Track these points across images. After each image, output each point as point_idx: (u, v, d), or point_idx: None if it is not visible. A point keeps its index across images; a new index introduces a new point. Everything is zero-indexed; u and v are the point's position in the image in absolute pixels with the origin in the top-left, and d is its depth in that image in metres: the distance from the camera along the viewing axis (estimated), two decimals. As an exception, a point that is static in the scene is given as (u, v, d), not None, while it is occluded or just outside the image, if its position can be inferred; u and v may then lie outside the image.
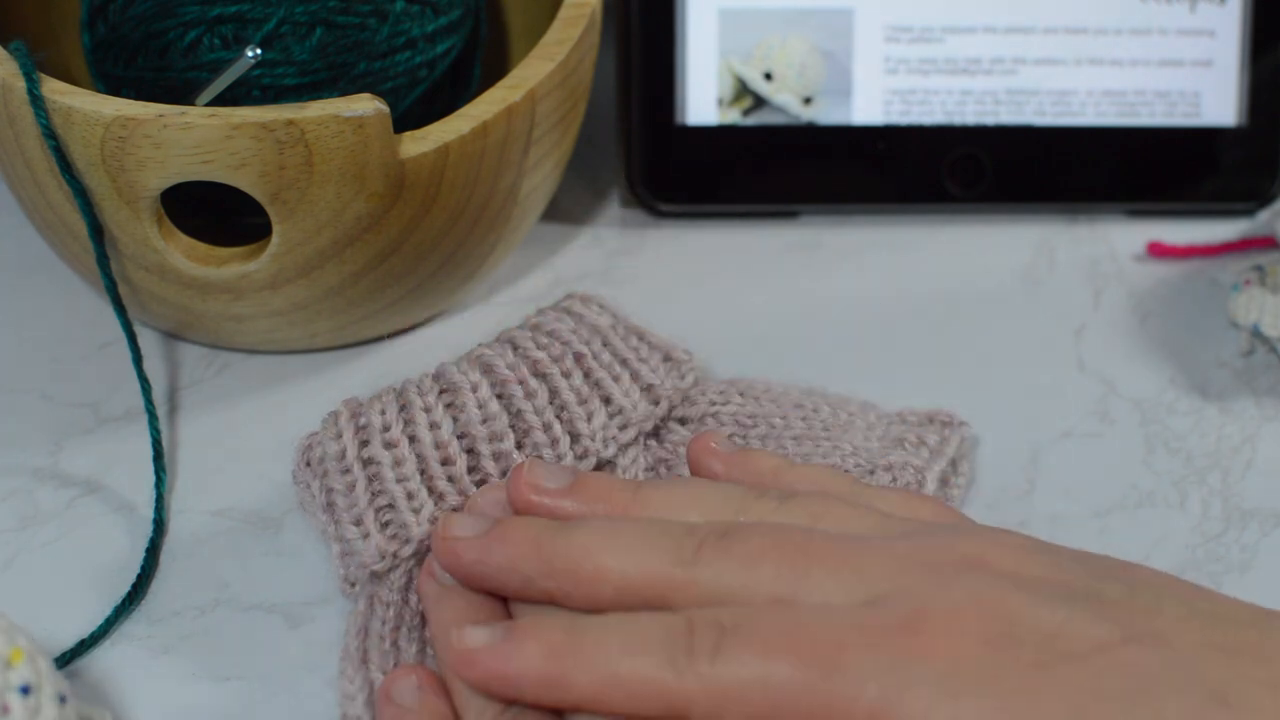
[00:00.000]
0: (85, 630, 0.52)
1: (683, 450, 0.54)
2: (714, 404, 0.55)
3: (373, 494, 0.52)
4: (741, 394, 0.56)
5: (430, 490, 0.52)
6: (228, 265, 0.56)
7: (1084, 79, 0.66)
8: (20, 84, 0.53)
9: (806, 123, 0.66)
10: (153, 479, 0.55)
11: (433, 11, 0.58)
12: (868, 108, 0.66)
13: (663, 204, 0.66)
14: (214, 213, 0.57)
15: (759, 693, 0.42)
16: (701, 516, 0.47)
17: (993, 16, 0.66)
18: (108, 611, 0.52)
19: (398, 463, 0.52)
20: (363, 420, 0.53)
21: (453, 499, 0.51)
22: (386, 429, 0.52)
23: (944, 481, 0.55)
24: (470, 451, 0.52)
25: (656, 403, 0.54)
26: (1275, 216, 0.65)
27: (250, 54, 0.55)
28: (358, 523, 0.51)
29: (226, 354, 0.60)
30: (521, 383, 0.53)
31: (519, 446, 0.52)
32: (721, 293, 0.64)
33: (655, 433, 0.55)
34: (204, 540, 0.55)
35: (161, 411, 0.58)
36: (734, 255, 0.65)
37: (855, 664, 0.42)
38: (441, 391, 0.53)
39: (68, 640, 0.51)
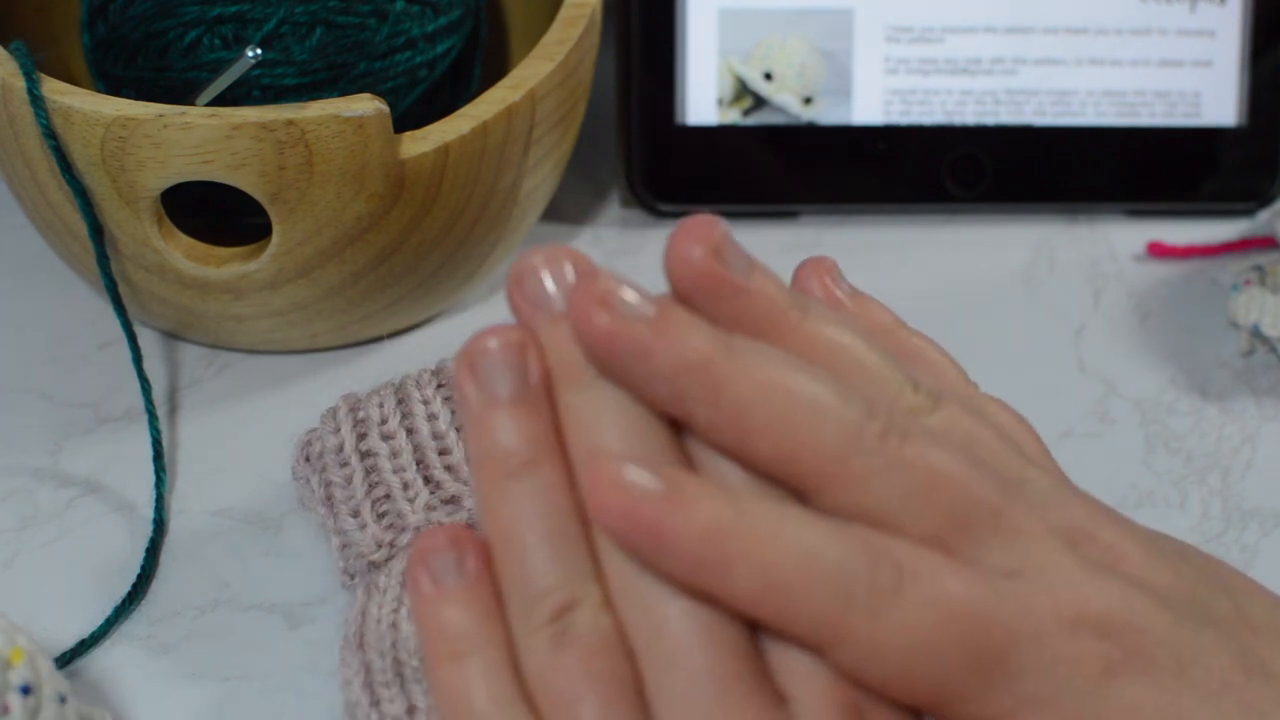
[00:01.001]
0: (85, 630, 0.52)
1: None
2: None
3: (370, 485, 0.52)
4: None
5: (427, 479, 0.52)
6: (228, 265, 0.56)
7: (1084, 79, 0.66)
8: (20, 84, 0.53)
9: (806, 123, 0.66)
10: (153, 479, 0.55)
11: (433, 11, 0.58)
12: (868, 108, 0.66)
13: (663, 204, 0.66)
14: (214, 213, 0.57)
15: (919, 659, 0.38)
16: (861, 381, 0.40)
17: (993, 16, 0.66)
18: (108, 611, 0.52)
19: (394, 454, 0.52)
20: (361, 414, 0.53)
21: (450, 487, 0.51)
22: (384, 422, 0.53)
23: None
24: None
25: None
26: (1275, 216, 0.65)
27: (250, 54, 0.55)
28: (355, 514, 0.51)
29: (226, 354, 0.60)
30: None
31: None
32: (721, 293, 0.64)
33: None
34: (204, 540, 0.55)
35: (161, 411, 0.58)
36: (734, 255, 0.65)
37: (1017, 659, 0.38)
38: (440, 385, 0.53)
39: (68, 640, 0.51)
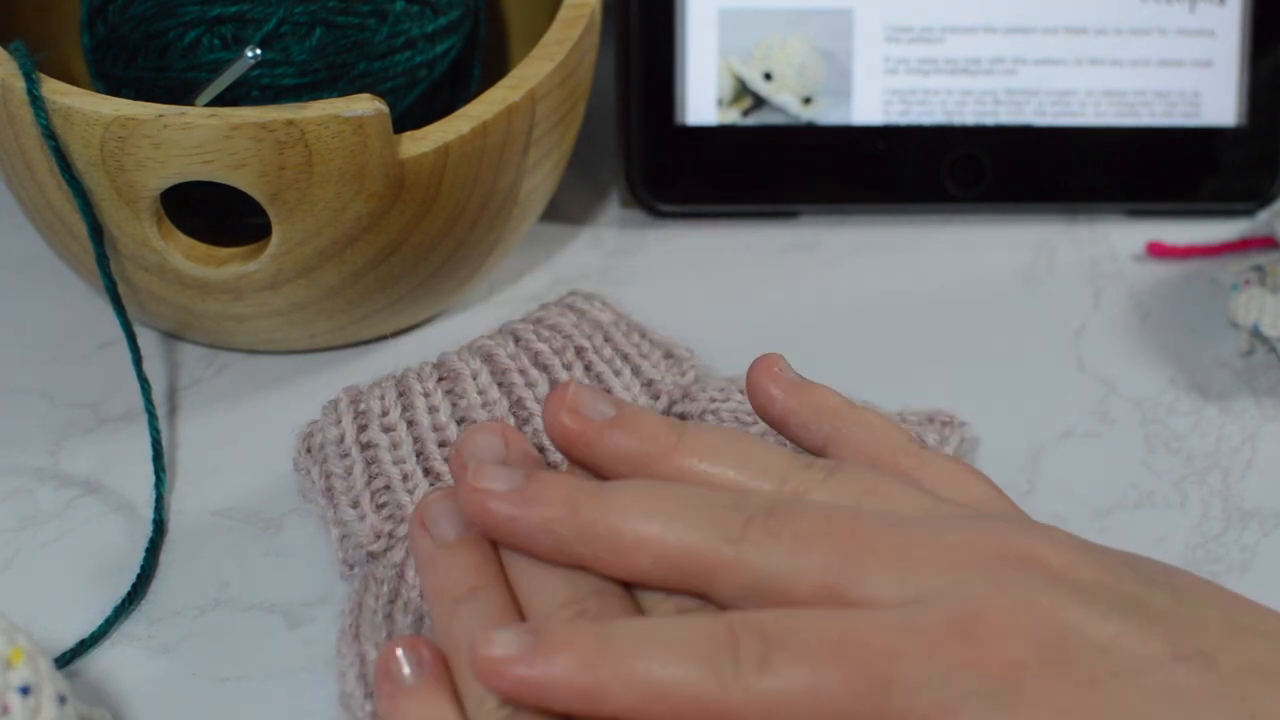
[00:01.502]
0: (85, 630, 0.52)
1: None
2: (714, 400, 0.55)
3: (370, 476, 0.52)
4: (742, 391, 0.56)
5: (426, 471, 0.52)
6: (228, 265, 0.56)
7: (1084, 79, 0.66)
8: (20, 84, 0.53)
9: (806, 123, 0.66)
10: (152, 479, 0.55)
11: (432, 11, 0.58)
12: (867, 108, 0.66)
13: (663, 204, 0.66)
14: (214, 213, 0.57)
15: (809, 707, 0.40)
16: (745, 478, 0.44)
17: (993, 16, 0.66)
18: (108, 611, 0.52)
19: (394, 445, 0.52)
20: (362, 406, 0.53)
21: (450, 480, 0.51)
22: (385, 414, 0.53)
23: None
24: None
25: (656, 397, 0.55)
26: (1275, 216, 0.65)
27: (250, 54, 0.55)
28: (355, 505, 0.52)
29: (226, 354, 0.60)
30: (522, 372, 0.54)
31: (519, 429, 0.53)
32: (721, 293, 0.64)
33: None
34: (204, 540, 0.55)
35: (161, 411, 0.58)
36: (734, 255, 0.65)
37: (907, 675, 0.40)
38: (441, 378, 0.54)
39: (68, 640, 0.51)
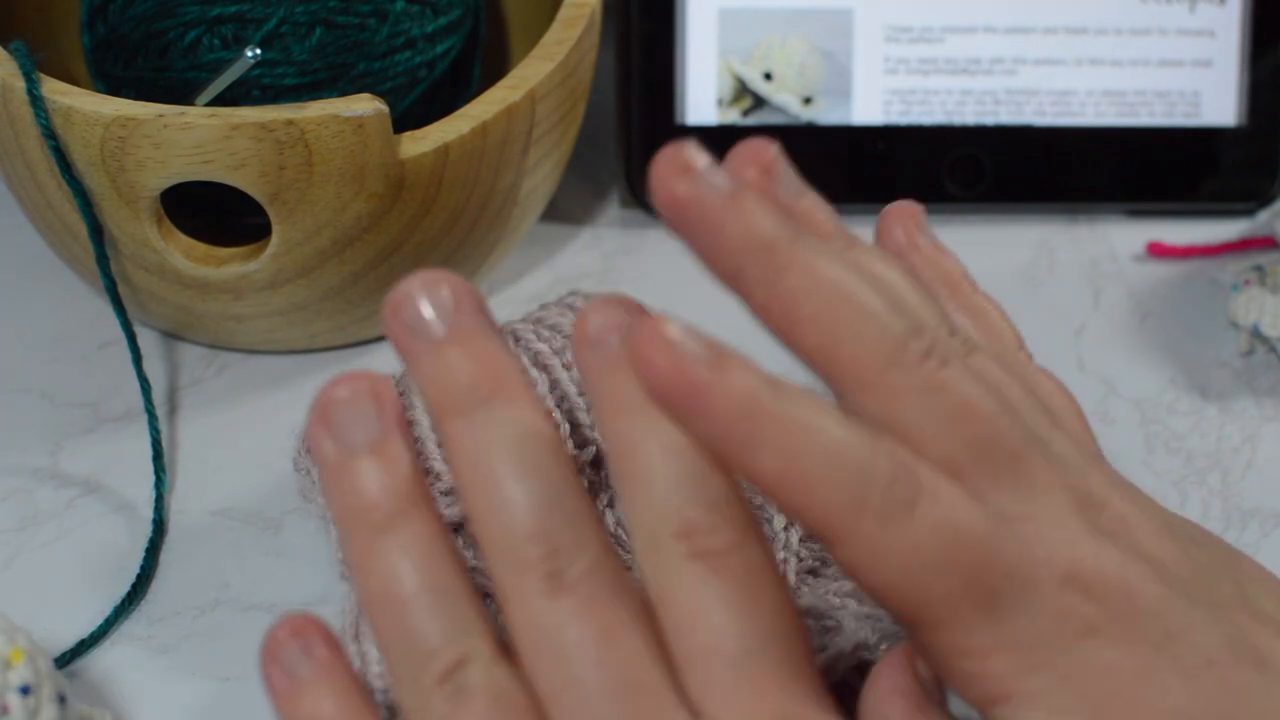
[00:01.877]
0: (85, 630, 0.52)
1: None
2: None
3: None
4: None
5: (426, 471, 0.52)
6: (228, 265, 0.56)
7: (1084, 79, 0.66)
8: (20, 84, 0.53)
9: (806, 123, 0.66)
10: (152, 479, 0.55)
11: (433, 11, 0.58)
12: (868, 108, 0.66)
13: (663, 204, 0.66)
14: (214, 213, 0.57)
15: (912, 581, 0.38)
16: (887, 310, 0.40)
17: (993, 16, 0.66)
18: (108, 611, 0.52)
19: None
20: None
21: (450, 479, 0.51)
22: None
23: None
24: None
25: None
26: (1275, 216, 0.65)
27: (250, 54, 0.55)
28: None
29: (226, 354, 0.60)
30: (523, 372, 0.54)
31: None
32: (721, 293, 0.64)
33: None
34: (204, 540, 0.55)
35: (161, 411, 0.58)
36: (734, 255, 0.65)
37: (1003, 607, 0.38)
38: None
39: (68, 640, 0.51)
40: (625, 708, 0.37)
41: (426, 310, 0.40)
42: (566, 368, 0.54)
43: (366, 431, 0.39)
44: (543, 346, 0.54)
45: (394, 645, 0.38)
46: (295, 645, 0.39)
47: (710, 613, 0.38)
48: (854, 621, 0.47)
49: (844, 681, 0.46)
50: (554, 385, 0.54)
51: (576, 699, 0.37)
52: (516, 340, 0.55)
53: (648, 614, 0.38)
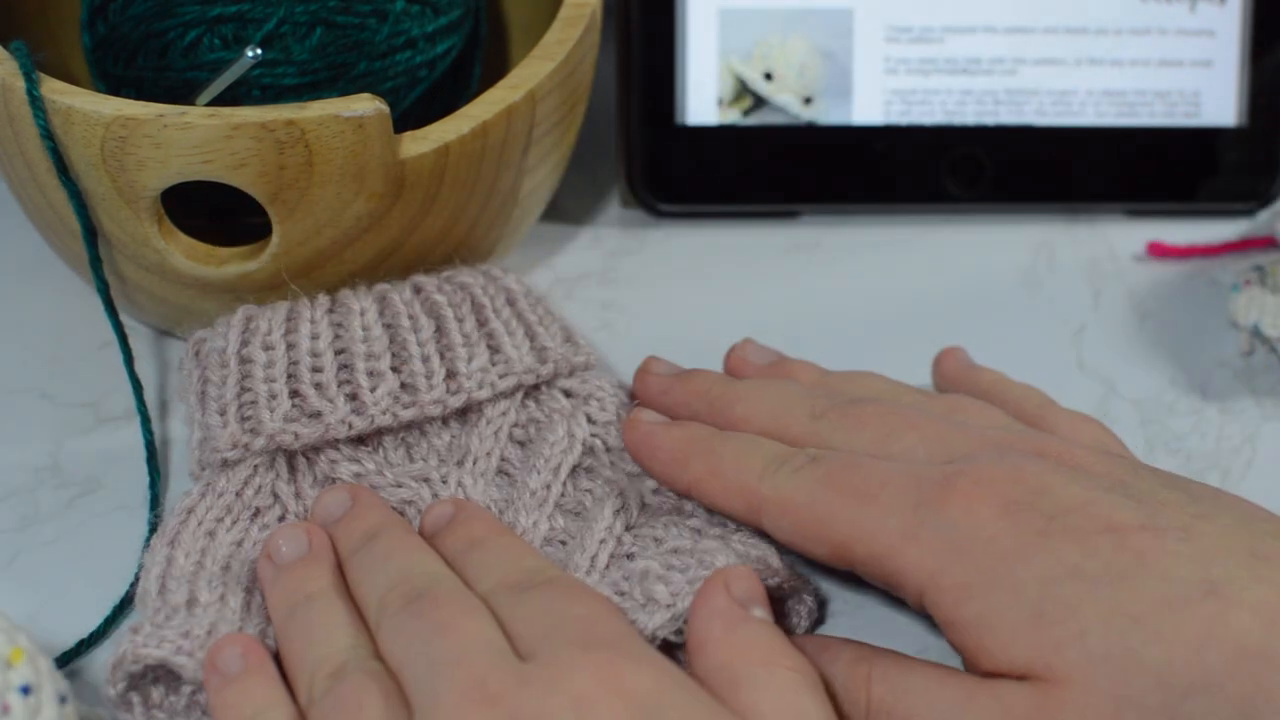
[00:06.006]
0: (85, 630, 0.52)
1: (557, 417, 0.55)
2: (602, 389, 0.56)
3: (241, 389, 0.53)
4: (632, 396, 0.56)
5: (293, 393, 0.53)
6: (228, 265, 0.56)
7: (1084, 79, 0.66)
8: (20, 84, 0.53)
9: (806, 123, 0.66)
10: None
11: (433, 11, 0.58)
12: (868, 108, 0.66)
13: (663, 204, 0.66)
14: (214, 213, 0.57)
15: (808, 509, 0.49)
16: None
17: (993, 16, 0.66)
18: (107, 611, 0.52)
19: (270, 364, 0.54)
20: (253, 324, 0.54)
21: (314, 402, 0.53)
22: (269, 333, 0.54)
23: None
24: (345, 367, 0.54)
25: (544, 362, 0.55)
26: (1275, 216, 0.65)
27: (250, 54, 0.55)
28: (221, 412, 0.53)
29: (226, 354, 0.60)
30: (412, 317, 0.55)
31: (394, 370, 0.54)
32: (721, 293, 0.64)
33: (536, 394, 0.55)
34: (204, 540, 0.55)
35: (159, 411, 0.58)
36: (734, 255, 0.65)
37: (887, 501, 0.48)
38: (331, 310, 0.55)
39: (68, 640, 0.51)
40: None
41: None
42: (458, 320, 0.55)
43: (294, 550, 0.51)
44: (440, 298, 0.56)
45: (298, 666, 0.48)
46: (235, 649, 0.47)
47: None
48: (638, 611, 0.49)
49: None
50: (441, 334, 0.55)
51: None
52: (417, 291, 0.56)
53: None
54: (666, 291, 0.64)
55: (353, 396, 0.53)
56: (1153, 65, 0.66)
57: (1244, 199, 0.67)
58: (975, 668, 0.46)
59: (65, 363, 0.60)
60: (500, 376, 0.55)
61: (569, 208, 0.66)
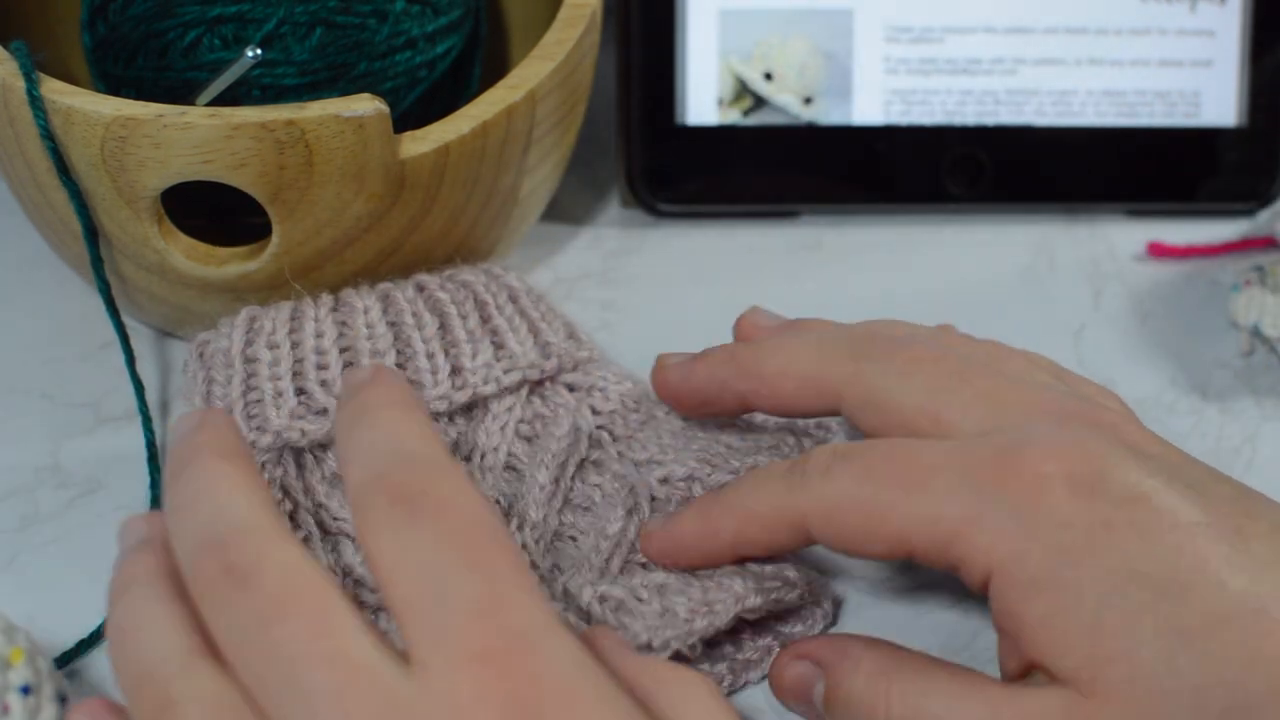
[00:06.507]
0: (85, 630, 0.52)
1: (562, 412, 0.55)
2: (605, 380, 0.56)
3: (247, 388, 0.53)
4: (635, 383, 0.56)
5: (299, 390, 0.53)
6: (228, 265, 0.56)
7: (1084, 79, 0.66)
8: (20, 84, 0.53)
9: (806, 123, 0.66)
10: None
11: (433, 11, 0.58)
12: (868, 108, 0.66)
13: (663, 204, 0.66)
14: (214, 213, 0.57)
15: (854, 505, 0.46)
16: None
17: (993, 16, 0.66)
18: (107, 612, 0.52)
19: (275, 363, 0.54)
20: (257, 324, 0.55)
21: (320, 400, 0.53)
22: (273, 332, 0.54)
23: None
24: (350, 365, 0.54)
25: (548, 357, 0.55)
26: (1275, 216, 0.65)
27: (250, 54, 0.55)
28: (228, 411, 0.53)
29: (226, 354, 0.60)
30: (415, 315, 0.55)
31: (399, 366, 0.54)
32: (721, 293, 0.64)
33: (540, 390, 0.55)
34: (204, 540, 0.55)
35: (160, 411, 0.58)
36: (734, 255, 0.65)
37: (942, 486, 0.46)
38: (335, 309, 0.55)
39: (68, 640, 0.51)
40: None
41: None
42: (462, 317, 0.55)
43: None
44: (443, 296, 0.56)
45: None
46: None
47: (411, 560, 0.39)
48: (654, 619, 0.48)
49: None
50: (445, 331, 0.55)
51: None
52: (420, 289, 0.56)
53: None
54: (666, 291, 0.64)
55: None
56: (1153, 65, 0.66)
57: (1244, 199, 0.67)
58: (1019, 656, 0.46)
59: (65, 363, 0.60)
60: (505, 371, 0.55)
61: (569, 208, 0.66)
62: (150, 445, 0.56)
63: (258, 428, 0.53)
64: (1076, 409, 0.48)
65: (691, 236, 0.66)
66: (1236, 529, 0.44)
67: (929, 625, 0.52)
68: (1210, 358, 0.61)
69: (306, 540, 0.52)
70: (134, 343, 0.57)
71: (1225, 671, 0.43)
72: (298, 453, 0.53)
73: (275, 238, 0.55)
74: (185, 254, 0.55)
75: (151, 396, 0.58)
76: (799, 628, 0.51)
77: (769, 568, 0.50)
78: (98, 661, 0.51)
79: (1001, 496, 0.45)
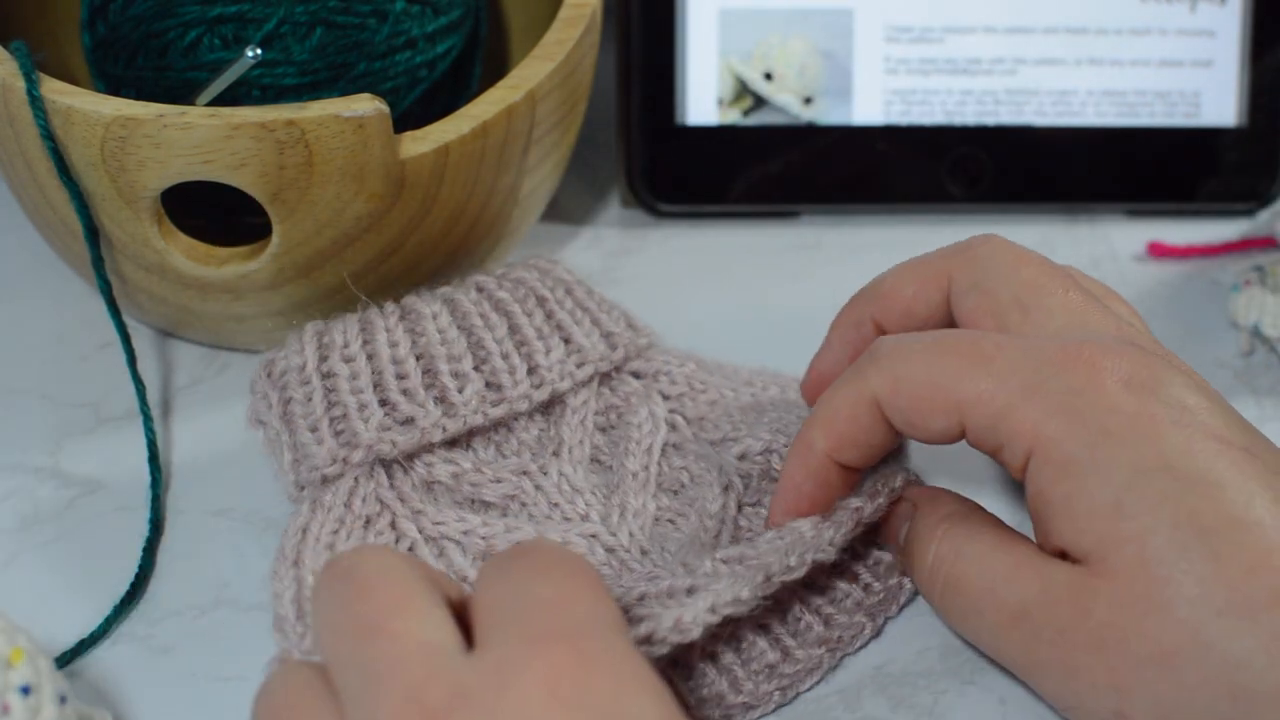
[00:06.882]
0: (85, 630, 0.52)
1: (634, 400, 0.55)
2: (669, 364, 0.56)
3: (329, 404, 0.53)
4: (697, 364, 0.56)
5: (383, 402, 0.53)
6: (228, 265, 0.56)
7: (1084, 79, 0.66)
8: (20, 84, 0.53)
9: (806, 123, 0.66)
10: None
11: (433, 11, 0.58)
12: (868, 108, 0.66)
13: (663, 204, 0.66)
14: (214, 213, 0.57)
15: (919, 378, 0.48)
16: None
17: (993, 16, 0.66)
18: (108, 611, 0.52)
19: (354, 376, 0.53)
20: (325, 339, 0.54)
21: (405, 409, 0.53)
22: (346, 345, 0.54)
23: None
24: (428, 371, 0.54)
25: (614, 348, 0.55)
26: (1275, 216, 0.65)
27: (250, 54, 0.55)
28: (313, 429, 0.53)
29: (226, 354, 0.60)
30: (483, 315, 0.55)
31: (477, 369, 0.54)
32: (721, 293, 0.64)
33: (608, 381, 0.56)
34: (204, 540, 0.55)
35: (161, 411, 0.58)
36: (734, 255, 0.65)
37: (1008, 361, 0.47)
38: (403, 317, 0.55)
39: (68, 640, 0.51)
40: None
41: None
42: (528, 314, 0.55)
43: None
44: (504, 295, 0.56)
45: None
46: None
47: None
48: (782, 546, 0.49)
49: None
50: (514, 329, 0.55)
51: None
52: (480, 290, 0.56)
53: None
54: (666, 291, 0.64)
55: (442, 399, 0.53)
56: (1153, 65, 0.66)
57: (1244, 199, 0.67)
58: (1042, 543, 0.47)
59: (65, 363, 0.60)
60: (578, 365, 0.55)
61: (569, 208, 0.66)
62: (150, 445, 0.56)
63: (347, 444, 0.52)
64: (1162, 353, 0.49)
65: (691, 236, 0.66)
66: (1278, 470, 0.46)
67: (929, 625, 0.52)
68: (1210, 358, 0.61)
69: (412, 549, 0.52)
70: (134, 343, 0.57)
71: (1230, 572, 0.44)
72: (387, 464, 0.53)
73: (275, 238, 0.55)
74: (185, 254, 0.55)
75: (152, 396, 0.59)
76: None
77: (866, 480, 0.51)
78: (98, 661, 0.51)
79: (1058, 377, 0.46)
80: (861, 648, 0.52)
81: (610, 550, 0.52)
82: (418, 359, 0.54)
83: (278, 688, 0.42)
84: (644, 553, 0.52)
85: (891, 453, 0.55)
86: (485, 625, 0.41)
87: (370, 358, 0.54)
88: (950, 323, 0.52)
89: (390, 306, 0.55)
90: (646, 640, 0.46)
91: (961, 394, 0.48)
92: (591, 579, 0.42)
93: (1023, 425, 0.47)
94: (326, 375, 0.53)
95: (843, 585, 0.52)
